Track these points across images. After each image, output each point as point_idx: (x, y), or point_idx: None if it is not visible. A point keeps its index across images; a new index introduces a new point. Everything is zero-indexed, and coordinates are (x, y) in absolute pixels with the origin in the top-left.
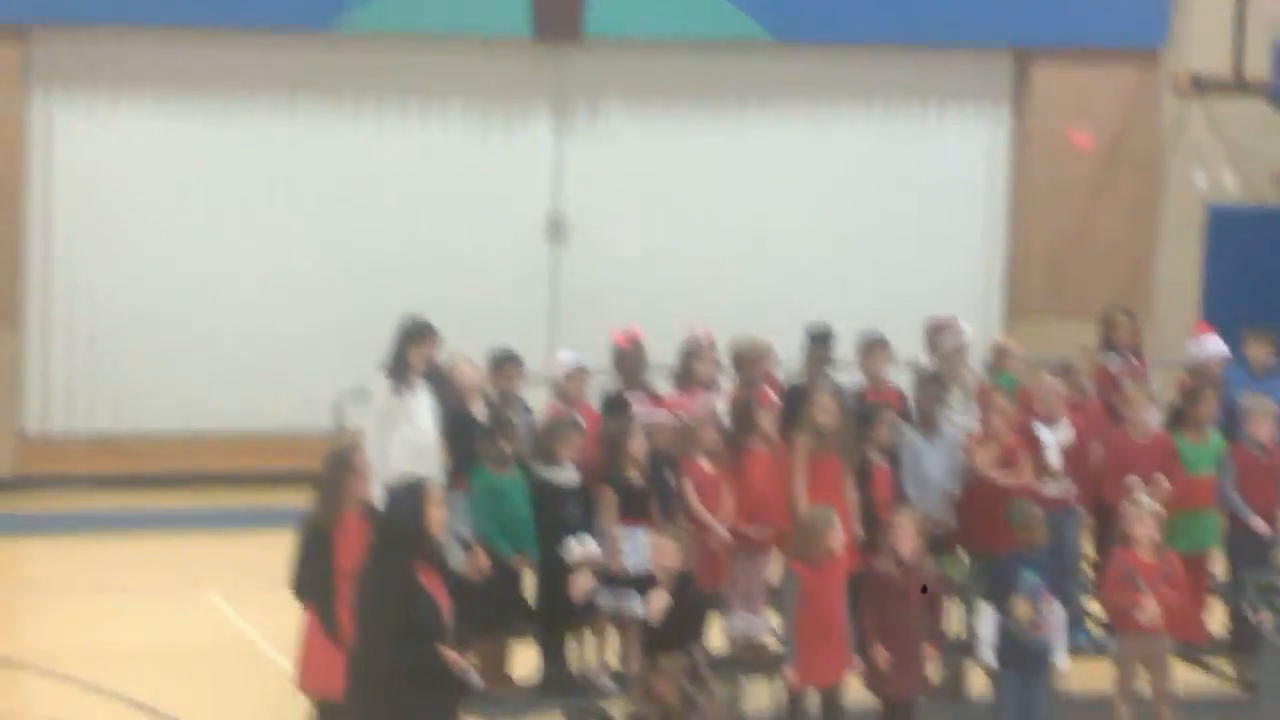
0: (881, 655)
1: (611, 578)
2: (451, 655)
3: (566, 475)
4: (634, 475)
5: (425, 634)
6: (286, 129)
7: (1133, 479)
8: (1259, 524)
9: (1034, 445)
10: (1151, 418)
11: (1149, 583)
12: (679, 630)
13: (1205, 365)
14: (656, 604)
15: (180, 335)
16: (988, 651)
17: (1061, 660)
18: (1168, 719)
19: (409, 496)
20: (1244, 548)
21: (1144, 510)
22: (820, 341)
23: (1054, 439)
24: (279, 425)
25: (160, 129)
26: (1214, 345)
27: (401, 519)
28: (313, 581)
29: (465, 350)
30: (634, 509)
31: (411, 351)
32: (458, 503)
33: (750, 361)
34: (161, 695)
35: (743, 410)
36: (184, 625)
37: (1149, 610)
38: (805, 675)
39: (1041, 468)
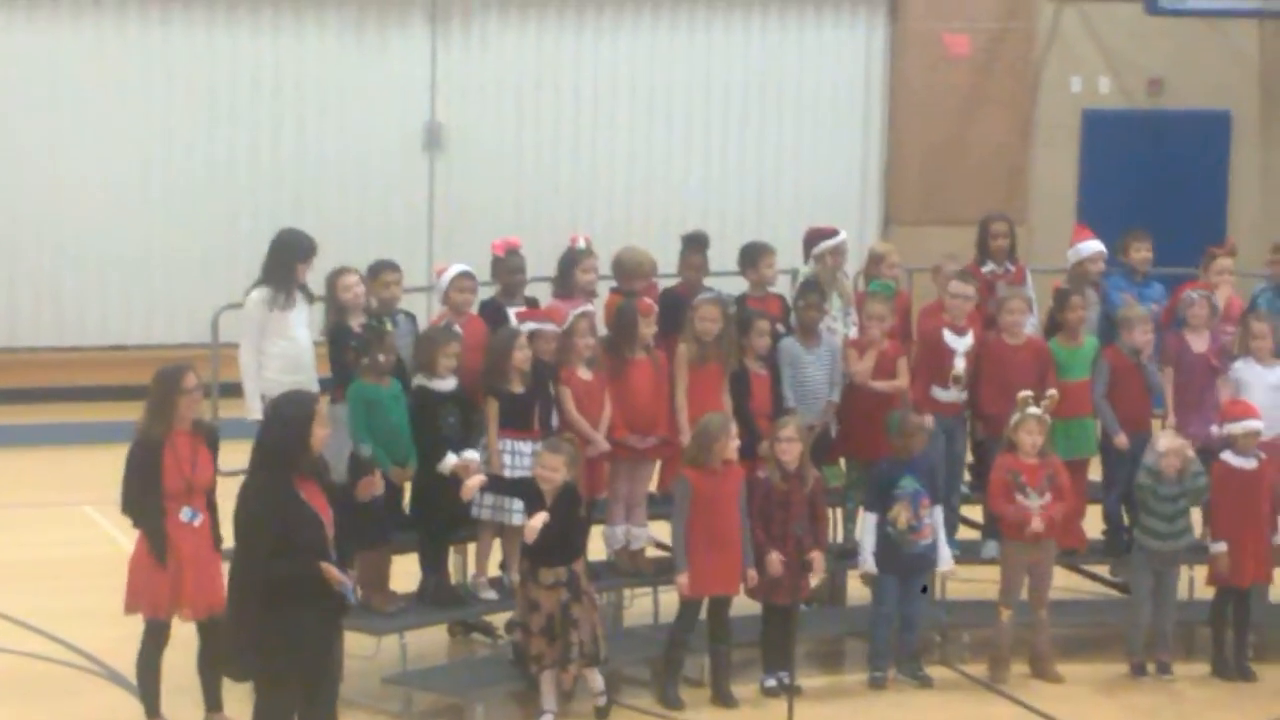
0: (774, 562)
1: (494, 485)
2: (330, 570)
3: (445, 385)
4: (518, 387)
5: (304, 549)
6: (159, 36)
7: (1025, 393)
8: (1121, 440)
9: (945, 353)
10: (1025, 323)
11: (1034, 489)
12: (560, 543)
13: (1084, 266)
14: (534, 524)
15: (52, 249)
16: (867, 557)
17: (944, 565)
18: (1045, 621)
19: (292, 410)
20: (1119, 454)
21: (1030, 418)
22: (693, 246)
23: (963, 347)
24: (153, 339)
25: (27, 36)
26: (1091, 245)
27: (283, 433)
28: (140, 501)
29: (342, 261)
30: (518, 420)
31: (297, 268)
32: (342, 417)
33: (632, 273)
34: (35, 608)
35: (623, 319)
36: (59, 539)
37: (1036, 516)
38: (698, 585)
39: (949, 375)
